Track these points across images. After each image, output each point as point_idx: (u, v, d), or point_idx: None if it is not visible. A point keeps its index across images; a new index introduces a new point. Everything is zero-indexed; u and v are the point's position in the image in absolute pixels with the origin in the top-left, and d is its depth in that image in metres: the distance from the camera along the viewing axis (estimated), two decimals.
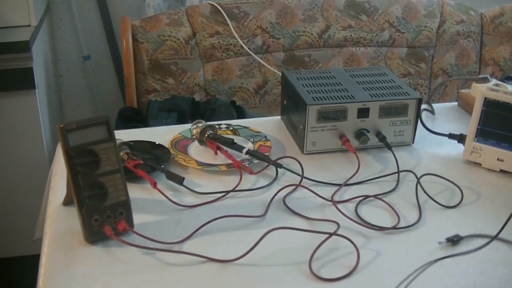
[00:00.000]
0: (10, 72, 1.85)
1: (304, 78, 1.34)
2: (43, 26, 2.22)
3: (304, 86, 1.29)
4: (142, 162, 1.14)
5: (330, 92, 1.26)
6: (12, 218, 2.00)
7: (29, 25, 2.00)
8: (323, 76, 1.36)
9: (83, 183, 0.95)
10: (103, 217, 0.97)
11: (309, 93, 1.25)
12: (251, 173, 1.14)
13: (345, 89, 1.28)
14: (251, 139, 1.30)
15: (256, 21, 2.24)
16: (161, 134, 1.33)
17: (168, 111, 2.05)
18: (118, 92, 2.63)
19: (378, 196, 1.09)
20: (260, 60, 2.24)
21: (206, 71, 2.23)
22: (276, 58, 2.28)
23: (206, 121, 1.34)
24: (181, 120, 2.02)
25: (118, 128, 2.04)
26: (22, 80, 1.88)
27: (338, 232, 0.97)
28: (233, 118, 2.00)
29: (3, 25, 1.97)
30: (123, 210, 0.98)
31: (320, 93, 1.26)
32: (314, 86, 1.30)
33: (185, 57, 2.19)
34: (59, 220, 1.04)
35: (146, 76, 2.17)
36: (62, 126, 0.95)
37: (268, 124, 1.41)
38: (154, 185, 1.08)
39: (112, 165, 0.98)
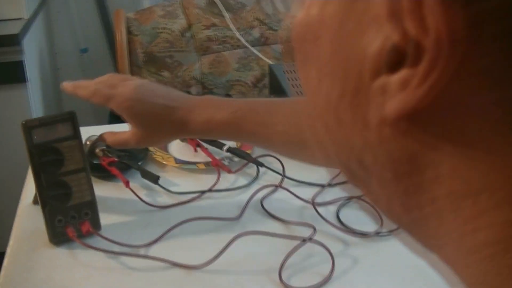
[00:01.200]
0: (0, 66, 1.81)
1: (290, 71, 1.29)
2: (37, 19, 2.17)
3: (289, 80, 1.23)
4: (117, 159, 1.08)
5: None
6: None
7: (21, 18, 1.96)
8: None
9: (46, 182, 0.91)
10: (67, 217, 0.92)
11: (294, 87, 1.20)
12: (229, 172, 1.08)
13: None
14: None
15: (253, 12, 2.18)
16: None
17: None
18: None
19: (362, 198, 1.03)
20: (258, 53, 2.18)
21: (203, 64, 2.17)
22: (274, 51, 2.22)
23: None
24: None
25: (111, 122, 1.99)
26: (13, 74, 1.84)
27: (315, 238, 0.91)
28: None
29: None
30: (89, 210, 0.93)
31: None
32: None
33: (180, 50, 2.14)
34: (27, 219, 1.00)
35: (141, 69, 2.12)
36: (24, 122, 0.90)
37: None
38: (127, 184, 1.03)
39: (77, 163, 0.93)
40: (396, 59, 0.24)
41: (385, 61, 0.25)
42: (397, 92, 0.25)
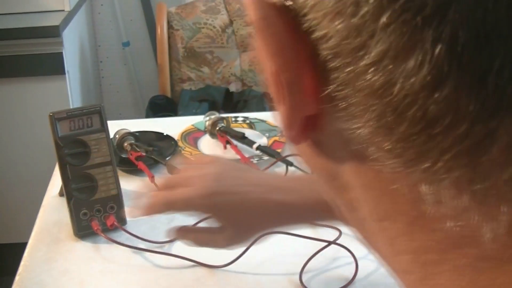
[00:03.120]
0: (39, 57, 1.83)
1: None
2: (80, 11, 2.20)
3: None
4: (144, 154, 1.08)
5: None
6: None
7: (63, 10, 1.98)
8: None
9: (71, 175, 0.91)
10: (92, 211, 0.92)
11: None
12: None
13: None
14: (267, 134, 1.22)
15: None
16: (175, 125, 1.27)
17: (199, 101, 2.00)
18: (157, 80, 2.60)
19: None
20: None
21: (243, 61, 2.16)
22: None
23: (239, 112, 1.27)
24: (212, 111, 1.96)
25: (148, 116, 2.00)
26: (52, 66, 1.85)
27: (340, 240, 0.88)
28: (265, 111, 1.92)
29: (37, 9, 1.95)
30: (114, 204, 0.93)
31: None
32: None
33: (221, 46, 2.13)
34: (52, 210, 1.00)
35: (180, 64, 2.12)
36: (51, 114, 0.91)
37: None
38: (152, 179, 1.02)
39: (104, 157, 0.92)
40: None
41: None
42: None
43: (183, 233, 0.75)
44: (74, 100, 1.98)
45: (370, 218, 0.29)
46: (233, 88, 2.16)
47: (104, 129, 0.92)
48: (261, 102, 1.98)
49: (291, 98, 0.27)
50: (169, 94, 2.12)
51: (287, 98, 0.27)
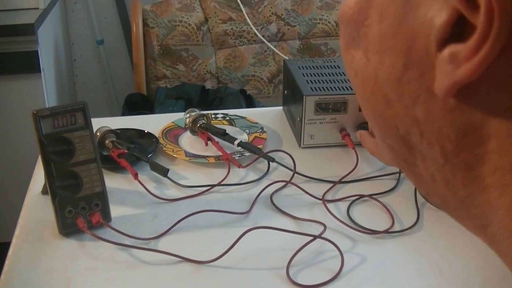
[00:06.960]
0: (14, 55, 1.81)
1: (305, 67, 1.27)
2: (54, 9, 2.17)
3: (304, 76, 1.22)
4: (126, 151, 1.08)
5: (331, 82, 1.19)
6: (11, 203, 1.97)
7: (37, 8, 1.96)
8: (327, 66, 1.28)
9: (56, 173, 0.90)
10: (77, 208, 0.92)
11: (308, 83, 1.18)
12: (239, 166, 1.07)
13: (348, 79, 1.21)
14: (247, 130, 1.23)
15: (271, 7, 2.16)
16: (154, 122, 1.27)
17: (175, 98, 2.00)
18: (132, 78, 2.59)
19: (374, 196, 1.01)
20: (274, 49, 2.16)
21: (218, 58, 2.16)
22: (291, 47, 2.20)
23: (214, 109, 1.28)
24: (188, 108, 1.96)
25: (124, 114, 1.99)
26: (27, 64, 1.84)
27: (325, 235, 0.90)
28: (241, 108, 1.94)
29: (11, 7, 1.93)
30: (99, 202, 0.93)
31: (320, 83, 1.18)
32: (315, 75, 1.22)
33: (196, 43, 2.13)
34: (35, 209, 0.99)
35: (156, 62, 2.12)
36: (35, 112, 0.90)
37: (269, 115, 1.34)
38: (135, 176, 1.02)
39: (88, 154, 0.92)
40: (461, 30, 0.27)
41: (451, 32, 0.27)
42: (467, 59, 0.27)
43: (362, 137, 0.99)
44: (50, 99, 1.97)
45: (501, 172, 0.28)
46: (208, 85, 2.17)
47: (88, 126, 0.92)
48: (237, 99, 1.98)
49: (499, 32, 0.25)
50: (144, 92, 2.12)
51: (496, 30, 0.25)
